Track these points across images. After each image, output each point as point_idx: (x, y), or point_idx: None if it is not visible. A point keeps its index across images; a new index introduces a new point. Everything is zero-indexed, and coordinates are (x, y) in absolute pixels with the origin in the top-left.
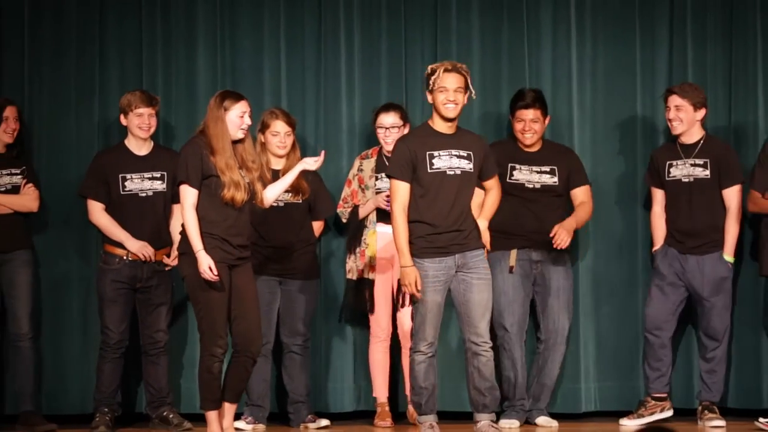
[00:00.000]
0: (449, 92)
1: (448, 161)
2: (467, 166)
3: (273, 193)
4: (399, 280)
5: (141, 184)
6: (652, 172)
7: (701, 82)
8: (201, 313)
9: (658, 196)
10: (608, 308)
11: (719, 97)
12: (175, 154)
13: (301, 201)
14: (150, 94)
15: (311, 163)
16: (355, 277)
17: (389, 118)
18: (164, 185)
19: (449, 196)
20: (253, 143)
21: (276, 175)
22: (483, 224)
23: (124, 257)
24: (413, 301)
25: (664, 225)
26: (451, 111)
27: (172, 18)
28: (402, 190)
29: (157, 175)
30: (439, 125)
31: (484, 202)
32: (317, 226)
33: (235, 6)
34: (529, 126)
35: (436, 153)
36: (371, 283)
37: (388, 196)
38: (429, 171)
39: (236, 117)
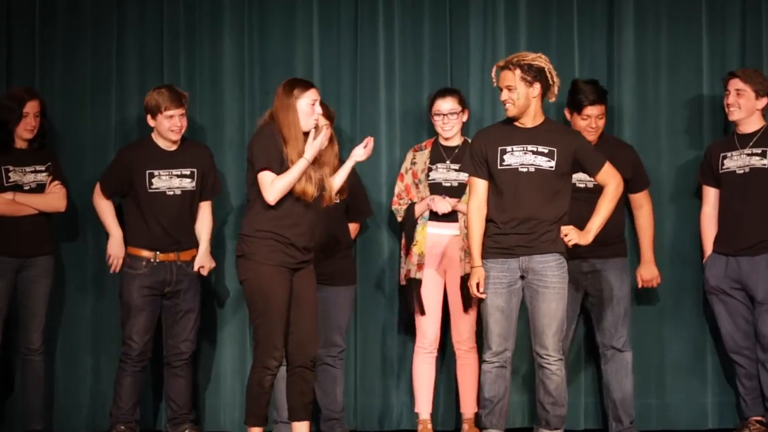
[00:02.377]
0: (503, 91)
1: (521, 157)
2: (546, 163)
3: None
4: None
5: (169, 181)
6: (705, 167)
7: None
8: (257, 321)
9: (710, 195)
10: (673, 316)
11: None
12: (206, 149)
13: (338, 200)
14: (178, 92)
15: (360, 154)
16: (403, 279)
17: (446, 104)
18: (194, 183)
19: (520, 195)
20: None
21: None
22: (592, 224)
23: (152, 260)
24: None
25: (715, 229)
26: (509, 110)
27: (196, 5)
28: (475, 187)
29: (187, 172)
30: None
31: (599, 200)
32: (353, 228)
33: None
34: (595, 123)
35: (508, 148)
36: (419, 283)
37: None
38: (499, 168)
39: (307, 105)
